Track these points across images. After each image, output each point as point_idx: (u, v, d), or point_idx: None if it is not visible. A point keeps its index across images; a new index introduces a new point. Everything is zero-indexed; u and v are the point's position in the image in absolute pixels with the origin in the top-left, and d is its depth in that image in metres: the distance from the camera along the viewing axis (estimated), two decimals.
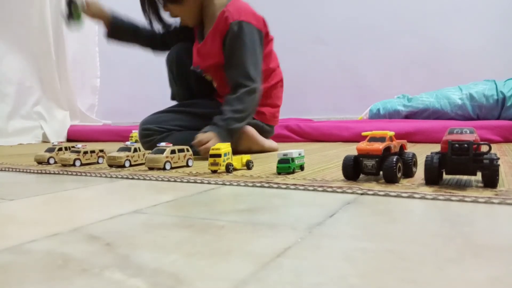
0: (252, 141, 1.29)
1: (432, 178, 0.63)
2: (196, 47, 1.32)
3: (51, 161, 1.09)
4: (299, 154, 0.82)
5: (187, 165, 0.96)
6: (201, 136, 1.09)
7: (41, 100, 2.51)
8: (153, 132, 1.27)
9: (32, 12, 2.42)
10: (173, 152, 0.92)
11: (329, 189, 0.63)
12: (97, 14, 1.33)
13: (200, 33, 1.35)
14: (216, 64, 1.28)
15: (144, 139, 1.27)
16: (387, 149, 0.68)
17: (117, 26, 1.37)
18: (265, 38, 1.30)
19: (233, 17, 1.20)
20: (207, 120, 1.18)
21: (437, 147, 0.70)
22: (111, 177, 0.85)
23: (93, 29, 2.87)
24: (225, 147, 0.84)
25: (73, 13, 1.25)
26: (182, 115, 1.31)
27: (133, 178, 0.82)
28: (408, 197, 0.57)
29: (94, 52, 3.00)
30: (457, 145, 0.61)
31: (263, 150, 1.33)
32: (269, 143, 1.37)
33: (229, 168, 0.83)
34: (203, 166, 0.95)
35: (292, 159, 0.79)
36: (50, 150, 1.12)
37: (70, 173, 0.92)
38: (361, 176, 0.72)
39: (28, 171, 0.99)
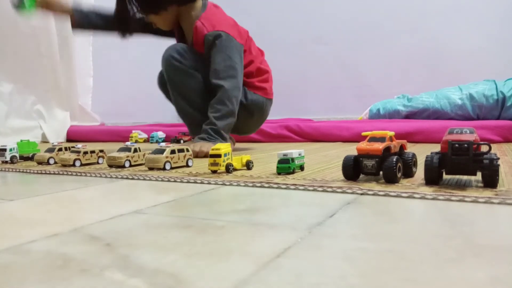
0: None
1: (432, 178, 0.63)
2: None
3: (51, 161, 1.09)
4: (299, 154, 0.82)
5: (187, 165, 0.96)
6: (194, 150, 1.14)
7: (40, 99, 2.50)
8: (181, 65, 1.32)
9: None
10: (173, 152, 0.92)
11: (329, 189, 0.63)
12: (53, 6, 1.35)
13: (180, 37, 1.43)
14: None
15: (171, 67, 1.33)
16: (387, 149, 0.68)
17: (81, 17, 1.40)
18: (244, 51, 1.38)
19: (207, 29, 1.31)
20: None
21: (437, 147, 0.70)
22: (111, 177, 0.85)
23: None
24: (225, 147, 0.84)
25: (24, 1, 1.24)
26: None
27: (133, 178, 0.82)
28: (408, 197, 0.57)
29: (87, 52, 2.99)
30: (457, 145, 0.61)
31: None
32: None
33: (229, 168, 0.83)
34: (203, 166, 0.95)
35: (292, 159, 0.79)
36: (50, 150, 1.12)
37: (70, 173, 0.92)
38: (361, 176, 0.72)
39: (28, 171, 0.99)
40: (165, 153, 0.90)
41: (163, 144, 0.94)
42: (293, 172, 0.80)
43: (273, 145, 1.70)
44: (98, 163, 1.07)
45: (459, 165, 0.61)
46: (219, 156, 0.82)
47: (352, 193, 0.61)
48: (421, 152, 1.03)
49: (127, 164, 0.97)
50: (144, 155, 1.01)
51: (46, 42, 2.48)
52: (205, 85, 1.34)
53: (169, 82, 1.36)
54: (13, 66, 2.35)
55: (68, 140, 2.50)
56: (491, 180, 0.60)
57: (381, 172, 0.67)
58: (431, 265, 0.32)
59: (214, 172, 0.84)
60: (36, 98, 2.48)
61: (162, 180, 0.79)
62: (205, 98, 1.33)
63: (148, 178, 0.81)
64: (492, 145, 0.87)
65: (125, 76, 3.17)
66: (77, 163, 1.02)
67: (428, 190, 0.59)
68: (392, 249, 0.36)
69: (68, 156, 1.03)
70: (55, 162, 1.09)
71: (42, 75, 2.50)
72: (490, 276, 0.29)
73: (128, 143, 1.02)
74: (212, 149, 0.83)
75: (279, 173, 0.80)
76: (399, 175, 0.66)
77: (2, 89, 2.31)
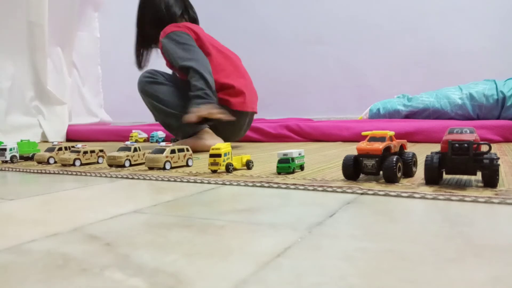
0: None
1: (432, 178, 0.63)
2: None
3: (51, 161, 1.09)
4: (299, 154, 0.82)
5: (187, 165, 0.96)
6: (191, 114, 1.25)
7: (39, 94, 2.49)
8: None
9: (31, 6, 2.39)
10: (173, 151, 0.92)
11: (329, 189, 0.63)
12: None
13: None
14: None
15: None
16: (387, 149, 0.68)
17: None
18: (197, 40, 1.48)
19: (161, 36, 1.45)
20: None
21: (437, 147, 0.70)
22: (111, 177, 0.85)
23: (94, 22, 2.88)
24: (225, 147, 0.84)
25: None
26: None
27: (133, 178, 0.82)
28: (408, 197, 0.57)
29: (95, 39, 2.97)
30: (457, 145, 0.61)
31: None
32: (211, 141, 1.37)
33: (229, 168, 0.83)
34: (203, 166, 0.95)
35: (292, 159, 0.79)
36: (50, 150, 1.12)
37: (70, 173, 0.92)
38: (361, 176, 0.72)
39: (28, 171, 0.99)
40: (165, 152, 0.90)
41: (163, 143, 0.94)
42: (293, 172, 0.80)
43: (273, 145, 1.70)
44: (98, 162, 1.07)
45: (459, 165, 0.61)
46: (219, 155, 0.82)
47: (352, 192, 0.61)
48: (421, 152, 1.03)
49: (127, 164, 0.97)
50: (144, 154, 1.01)
51: (42, 37, 2.47)
52: (178, 90, 1.44)
53: (143, 95, 1.47)
54: (11, 63, 2.34)
55: (68, 139, 2.50)
56: (491, 180, 0.60)
57: (381, 172, 0.67)
58: (431, 265, 0.32)
59: (214, 171, 0.84)
60: (34, 94, 2.47)
61: (162, 180, 0.79)
62: (180, 98, 1.42)
63: (148, 178, 0.81)
64: (492, 145, 0.87)
65: (126, 76, 3.16)
66: (77, 163, 1.02)
67: (428, 190, 0.59)
68: (392, 249, 0.36)
69: (68, 155, 1.03)
70: (55, 162, 1.09)
71: (40, 71, 2.48)
72: (490, 276, 0.29)
73: (128, 143, 1.02)
74: (212, 149, 0.83)
75: (279, 173, 0.80)
76: (399, 175, 0.66)
77: (1, 85, 2.30)
